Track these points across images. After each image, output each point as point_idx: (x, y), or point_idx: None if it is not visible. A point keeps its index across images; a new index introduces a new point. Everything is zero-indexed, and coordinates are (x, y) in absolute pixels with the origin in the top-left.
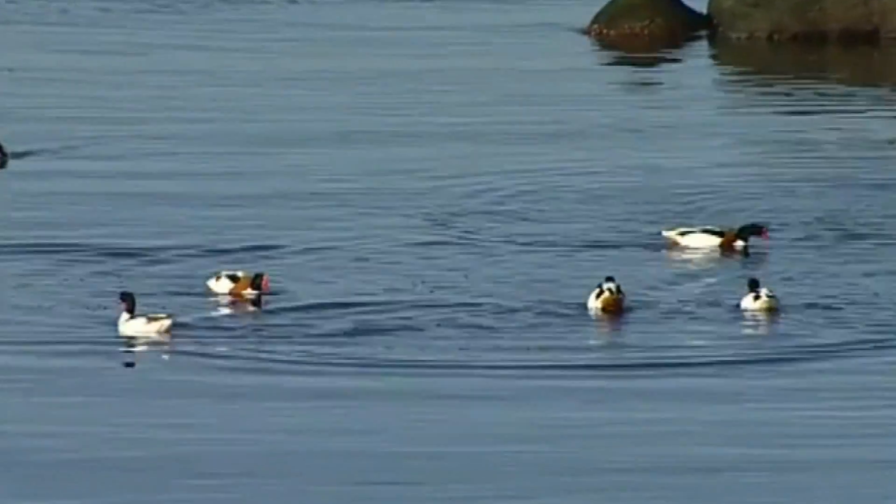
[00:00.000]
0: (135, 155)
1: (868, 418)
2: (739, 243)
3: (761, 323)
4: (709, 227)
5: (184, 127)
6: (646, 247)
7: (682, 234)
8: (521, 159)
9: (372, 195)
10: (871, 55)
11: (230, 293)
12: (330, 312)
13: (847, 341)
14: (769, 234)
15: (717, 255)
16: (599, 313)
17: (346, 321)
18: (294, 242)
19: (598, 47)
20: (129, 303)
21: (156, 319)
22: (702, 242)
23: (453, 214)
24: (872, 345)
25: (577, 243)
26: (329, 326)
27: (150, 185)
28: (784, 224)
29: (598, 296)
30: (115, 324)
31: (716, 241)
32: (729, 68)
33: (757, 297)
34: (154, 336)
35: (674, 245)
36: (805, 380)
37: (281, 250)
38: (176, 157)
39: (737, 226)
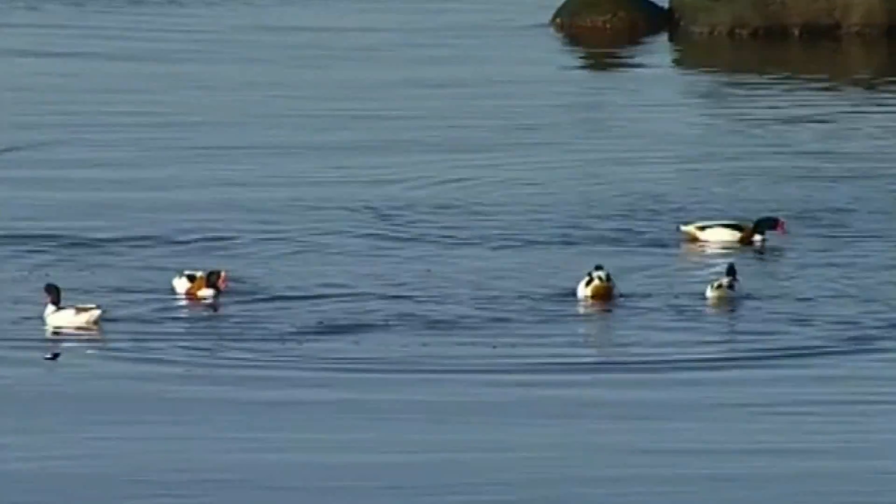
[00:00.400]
0: (89, 159)
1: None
2: (758, 237)
3: (739, 321)
4: (727, 222)
5: (131, 133)
6: (600, 241)
7: (701, 228)
8: (478, 157)
9: (331, 199)
10: (833, 50)
11: (186, 293)
12: (285, 313)
13: (821, 344)
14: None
15: (735, 249)
16: (589, 301)
17: (302, 321)
18: (249, 244)
19: (559, 41)
20: (55, 294)
21: (84, 310)
22: (721, 237)
23: (412, 213)
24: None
25: (541, 240)
26: (284, 327)
27: (108, 186)
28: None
29: (587, 283)
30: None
31: (736, 235)
32: (690, 63)
33: (711, 287)
34: (84, 327)
35: (693, 240)
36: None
37: (235, 251)
38: (122, 160)
39: (753, 219)
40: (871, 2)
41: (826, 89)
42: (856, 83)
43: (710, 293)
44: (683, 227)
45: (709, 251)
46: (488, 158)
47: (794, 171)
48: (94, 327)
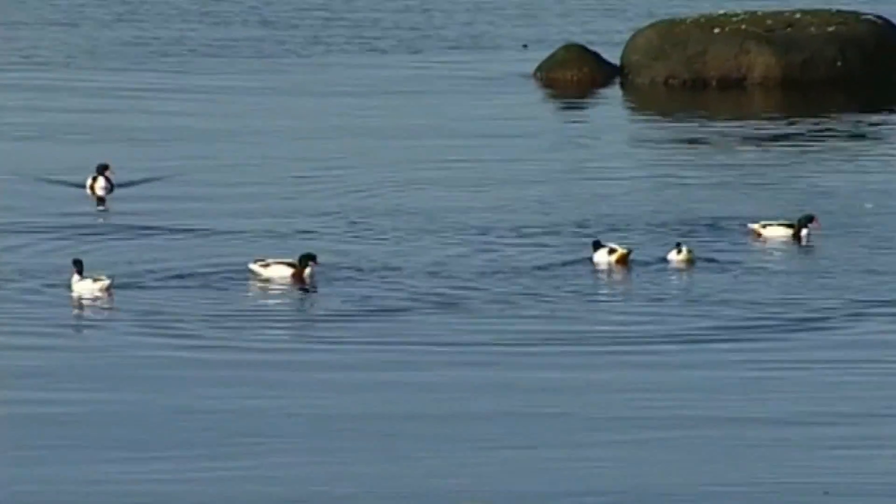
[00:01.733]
0: (206, 192)
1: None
2: (804, 231)
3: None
4: (783, 221)
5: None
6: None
7: (764, 226)
8: (457, 164)
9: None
10: (740, 96)
11: (292, 277)
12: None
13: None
14: (819, 222)
15: (790, 242)
16: (614, 266)
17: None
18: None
19: (539, 88)
20: (79, 267)
21: (98, 280)
22: (779, 233)
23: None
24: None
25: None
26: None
27: (224, 221)
28: (666, 223)
29: (609, 252)
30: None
31: (789, 231)
32: (635, 105)
33: (679, 252)
34: (98, 294)
35: (757, 235)
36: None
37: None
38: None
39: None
40: (768, 61)
41: (735, 125)
42: (758, 121)
43: (676, 256)
44: (750, 225)
45: (768, 244)
46: (481, 172)
47: (709, 184)
48: (107, 293)
